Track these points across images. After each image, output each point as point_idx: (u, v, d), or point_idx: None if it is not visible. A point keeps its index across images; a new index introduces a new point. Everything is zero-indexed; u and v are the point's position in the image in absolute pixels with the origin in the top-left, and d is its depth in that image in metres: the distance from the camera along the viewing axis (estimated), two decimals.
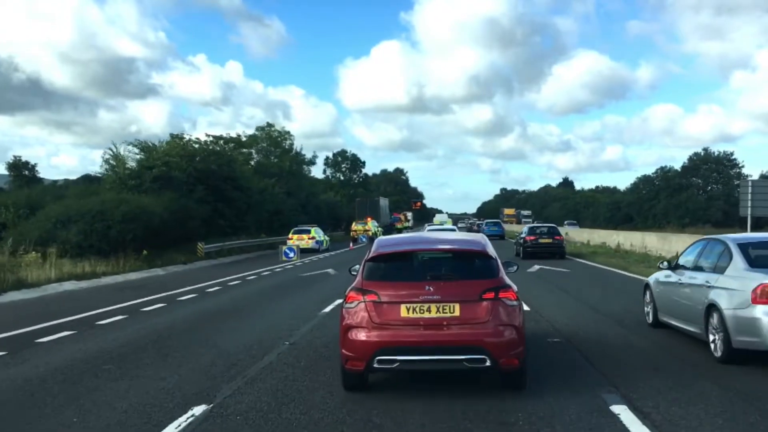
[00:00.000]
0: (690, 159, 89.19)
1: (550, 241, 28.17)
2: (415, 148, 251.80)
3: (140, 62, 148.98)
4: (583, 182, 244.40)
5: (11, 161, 69.41)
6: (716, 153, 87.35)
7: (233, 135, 46.04)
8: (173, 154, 36.00)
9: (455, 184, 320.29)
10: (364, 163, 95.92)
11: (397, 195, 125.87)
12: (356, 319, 6.23)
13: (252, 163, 57.21)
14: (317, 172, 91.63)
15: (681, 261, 9.63)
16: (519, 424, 5.42)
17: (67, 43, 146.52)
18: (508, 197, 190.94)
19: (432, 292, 6.10)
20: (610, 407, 5.81)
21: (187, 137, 39.71)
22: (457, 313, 6.05)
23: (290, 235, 36.58)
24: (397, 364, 6.08)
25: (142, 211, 26.40)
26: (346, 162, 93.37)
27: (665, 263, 10.11)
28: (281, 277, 20.52)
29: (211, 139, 41.79)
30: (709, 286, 8.15)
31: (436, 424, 5.47)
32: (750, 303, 7.26)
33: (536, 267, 21.58)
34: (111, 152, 33.50)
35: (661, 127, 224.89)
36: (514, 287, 6.40)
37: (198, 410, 5.92)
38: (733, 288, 7.64)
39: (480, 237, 7.51)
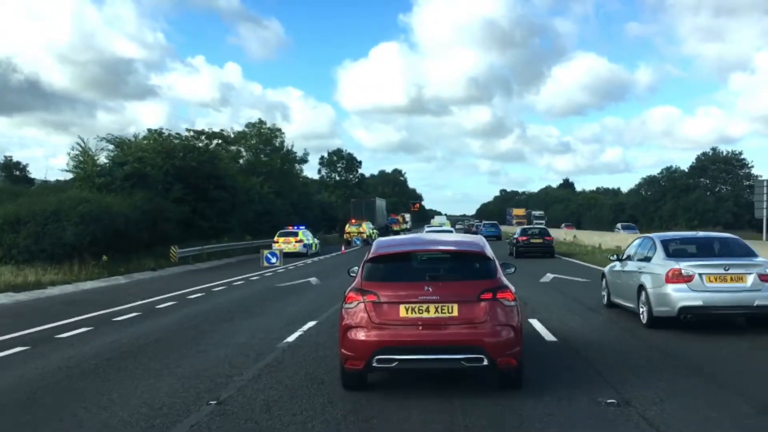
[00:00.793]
0: (697, 159, 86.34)
1: (541, 241, 30.37)
2: (414, 150, 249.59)
3: (139, 63, 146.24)
4: (583, 184, 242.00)
5: (1, 161, 66.95)
6: (724, 153, 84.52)
7: (216, 130, 42.34)
8: (148, 149, 33.08)
9: (454, 186, 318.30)
10: (360, 162, 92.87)
11: (396, 196, 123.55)
12: (356, 319, 6.25)
13: (241, 161, 54.28)
14: (312, 172, 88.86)
15: (626, 254, 11.93)
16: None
17: (65, 44, 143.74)
18: (508, 198, 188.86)
19: (431, 293, 6.13)
20: None
21: (166, 132, 36.70)
22: (455, 313, 6.09)
23: (276, 238, 33.65)
24: (396, 363, 6.11)
25: (105, 212, 23.47)
26: (341, 161, 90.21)
27: (615, 256, 12.81)
28: (254, 287, 17.61)
29: (191, 134, 38.59)
30: (640, 272, 10.60)
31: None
32: (664, 282, 9.70)
33: (549, 276, 18.63)
34: (80, 147, 30.50)
35: (660, 129, 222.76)
36: (512, 288, 6.40)
37: None
38: (655, 272, 10.08)
39: (478, 238, 7.54)
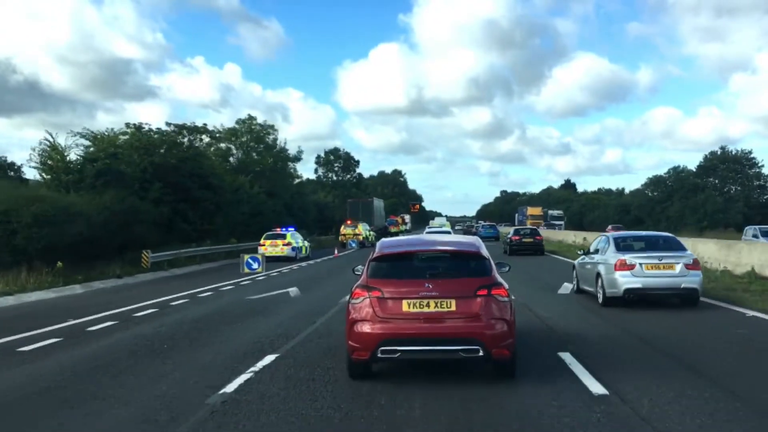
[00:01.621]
0: (705, 158, 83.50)
1: (532, 240, 33.66)
2: (414, 151, 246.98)
3: (138, 64, 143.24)
4: (583, 185, 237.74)
5: None
6: (734, 152, 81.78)
7: (198, 124, 39.08)
8: (124, 145, 30.50)
9: (455, 187, 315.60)
10: (358, 162, 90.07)
11: (396, 197, 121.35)
12: (362, 313, 6.66)
13: (231, 159, 51.68)
14: (309, 172, 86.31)
15: (590, 249, 14.80)
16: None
17: (64, 45, 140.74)
18: (509, 199, 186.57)
19: (431, 289, 6.57)
20: None
21: (146, 126, 34.05)
22: (453, 308, 6.53)
23: (262, 241, 31.05)
24: (399, 354, 6.55)
25: (63, 212, 20.87)
26: (338, 161, 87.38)
27: (582, 251, 15.81)
28: (220, 301, 15.00)
29: (172, 128, 35.78)
30: (597, 263, 13.56)
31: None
32: (614, 270, 12.55)
33: (569, 287, 15.96)
34: (48, 142, 27.88)
35: (661, 129, 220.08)
36: (506, 285, 6.90)
37: None
38: (608, 263, 12.92)
39: (474, 239, 8.04)
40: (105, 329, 10.94)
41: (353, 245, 44.19)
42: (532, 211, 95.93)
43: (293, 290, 16.43)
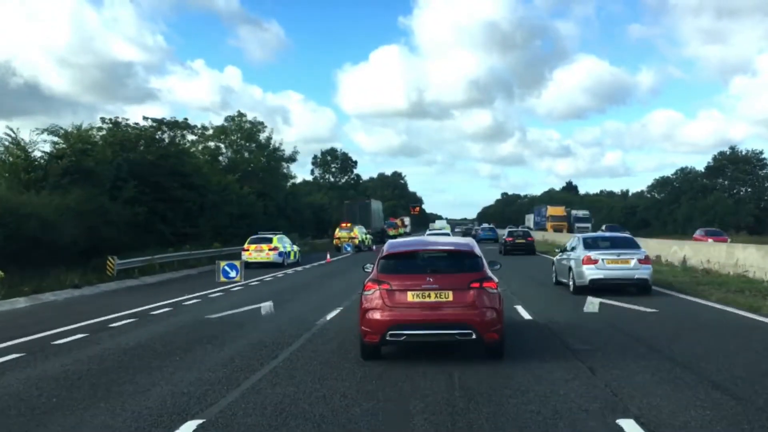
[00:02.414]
0: (714, 158, 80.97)
1: (524, 241, 37.12)
2: (414, 154, 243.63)
3: (138, 66, 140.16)
4: (584, 187, 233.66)
5: None
6: (744, 152, 79.15)
7: (179, 120, 35.93)
8: (94, 142, 27.92)
9: (455, 189, 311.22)
10: (355, 162, 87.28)
11: (396, 200, 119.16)
12: (373, 303, 7.78)
13: (221, 158, 49.11)
14: (307, 175, 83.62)
15: (566, 247, 17.75)
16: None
17: (64, 47, 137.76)
18: (510, 201, 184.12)
19: (431, 282, 7.73)
20: None
21: (122, 121, 31.43)
22: (450, 298, 7.69)
23: (246, 245, 28.40)
24: (404, 337, 7.73)
25: (10, 213, 18.30)
26: (336, 161, 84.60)
27: (558, 249, 19.32)
28: (175, 320, 12.37)
29: (150, 124, 32.99)
30: (569, 258, 16.35)
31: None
32: (582, 264, 15.25)
33: (596, 302, 13.22)
34: (9, 137, 25.29)
35: (661, 132, 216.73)
36: (495, 279, 8.13)
37: None
38: (577, 258, 15.69)
39: (469, 240, 9.55)
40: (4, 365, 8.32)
41: (348, 249, 41.51)
42: (553, 210, 78.58)
43: (266, 306, 13.79)
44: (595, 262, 15.02)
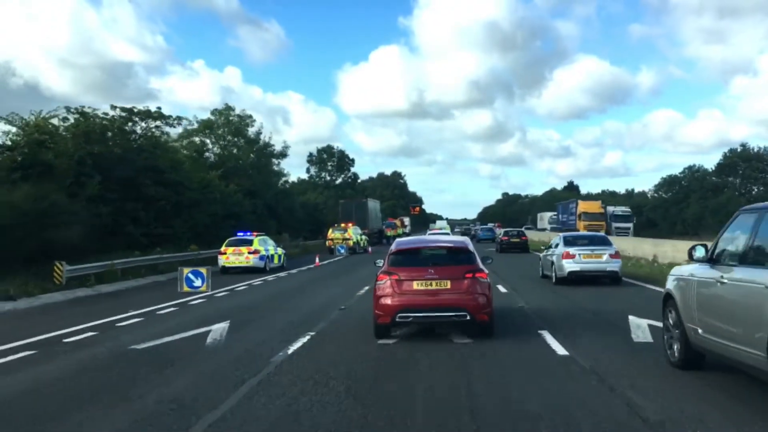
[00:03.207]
0: (725, 156, 77.96)
1: (519, 240, 40.79)
2: (414, 154, 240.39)
3: (138, 67, 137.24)
4: (584, 187, 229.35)
5: None
6: (756, 149, 76.16)
7: (152, 109, 32.21)
8: (52, 132, 24.95)
9: (455, 190, 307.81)
10: (353, 160, 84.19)
11: (395, 200, 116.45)
12: (385, 291, 9.45)
13: (208, 154, 46.17)
14: (301, 172, 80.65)
15: (551, 245, 19.97)
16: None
17: (64, 48, 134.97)
18: (510, 201, 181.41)
19: (433, 273, 9.41)
20: None
21: (89, 110, 28.39)
22: (448, 286, 9.36)
23: (223, 248, 25.45)
24: (411, 319, 9.47)
25: None
26: (332, 159, 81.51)
27: (544, 246, 22.52)
28: (86, 353, 9.32)
29: (119, 113, 29.71)
30: (553, 254, 18.70)
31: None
32: (562, 259, 17.73)
33: (643, 326, 10.20)
34: None
35: (661, 132, 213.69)
36: (486, 270, 9.85)
37: None
38: (559, 254, 18.08)
39: (465, 239, 11.31)
40: None
41: (342, 251, 38.51)
42: (586, 206, 60.05)
43: (218, 329, 10.81)
44: (573, 256, 17.68)
